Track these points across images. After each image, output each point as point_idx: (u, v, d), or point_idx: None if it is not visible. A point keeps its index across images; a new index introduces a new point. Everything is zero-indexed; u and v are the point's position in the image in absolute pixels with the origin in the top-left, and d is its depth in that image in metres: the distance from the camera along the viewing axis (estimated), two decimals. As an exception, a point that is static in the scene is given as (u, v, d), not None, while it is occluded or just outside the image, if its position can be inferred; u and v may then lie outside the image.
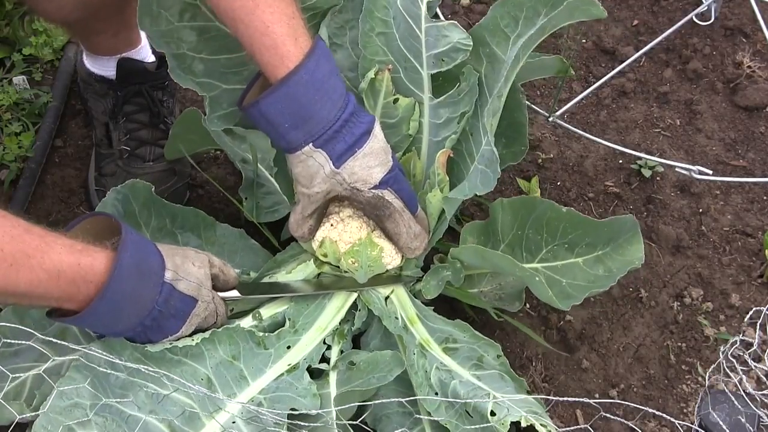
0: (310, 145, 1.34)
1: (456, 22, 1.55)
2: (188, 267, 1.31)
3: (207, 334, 1.33)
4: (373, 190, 1.39)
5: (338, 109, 1.34)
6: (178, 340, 1.32)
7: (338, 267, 1.50)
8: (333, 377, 1.40)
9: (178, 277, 1.28)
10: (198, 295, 1.31)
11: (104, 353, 1.19)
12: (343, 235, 1.47)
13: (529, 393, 1.37)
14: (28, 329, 1.16)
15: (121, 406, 1.20)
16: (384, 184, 1.40)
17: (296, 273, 1.51)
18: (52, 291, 1.15)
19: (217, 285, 1.39)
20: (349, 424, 1.28)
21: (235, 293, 1.41)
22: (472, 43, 1.51)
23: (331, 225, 1.48)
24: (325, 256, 1.48)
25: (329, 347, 1.45)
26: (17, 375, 1.29)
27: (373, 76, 1.53)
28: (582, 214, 1.41)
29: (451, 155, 1.52)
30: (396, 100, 1.54)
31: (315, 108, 1.32)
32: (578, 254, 1.42)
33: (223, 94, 1.53)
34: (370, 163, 1.38)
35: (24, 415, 1.27)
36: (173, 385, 1.19)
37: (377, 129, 1.40)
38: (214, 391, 1.30)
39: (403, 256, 1.51)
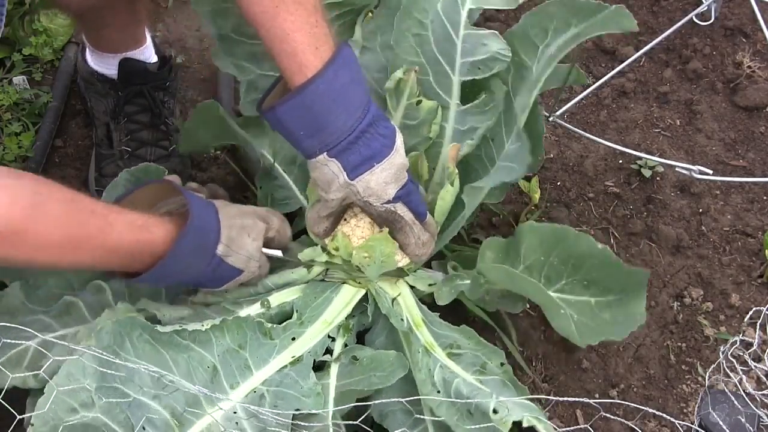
0: (324, 154, 1.34)
1: (497, 32, 1.55)
2: (242, 240, 1.36)
3: (217, 321, 1.34)
4: (386, 205, 1.39)
5: (355, 119, 1.32)
6: (185, 322, 1.35)
7: (349, 262, 1.50)
8: (334, 369, 1.40)
9: (230, 252, 1.34)
10: (245, 267, 1.37)
11: (104, 353, 1.19)
12: (356, 230, 1.46)
13: (530, 400, 1.37)
14: (26, 329, 1.17)
15: (126, 389, 1.21)
16: (397, 198, 1.39)
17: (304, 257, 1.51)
18: (111, 264, 1.26)
19: (271, 245, 1.44)
20: (352, 424, 1.29)
21: (279, 253, 1.46)
22: (510, 55, 1.51)
23: (344, 219, 1.48)
24: (337, 249, 1.46)
25: (333, 340, 1.45)
26: (20, 343, 1.32)
27: (401, 76, 1.52)
28: (614, 256, 1.38)
29: (460, 150, 1.52)
30: (419, 102, 1.53)
31: (330, 118, 1.31)
32: (593, 294, 1.40)
33: (258, 79, 1.56)
34: (387, 179, 1.37)
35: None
36: (171, 379, 1.20)
37: (399, 142, 1.39)
38: (219, 379, 1.31)
39: None
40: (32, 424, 1.15)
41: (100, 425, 1.18)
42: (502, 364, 1.41)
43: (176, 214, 1.33)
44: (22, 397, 1.30)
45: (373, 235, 1.46)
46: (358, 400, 1.37)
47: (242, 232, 1.36)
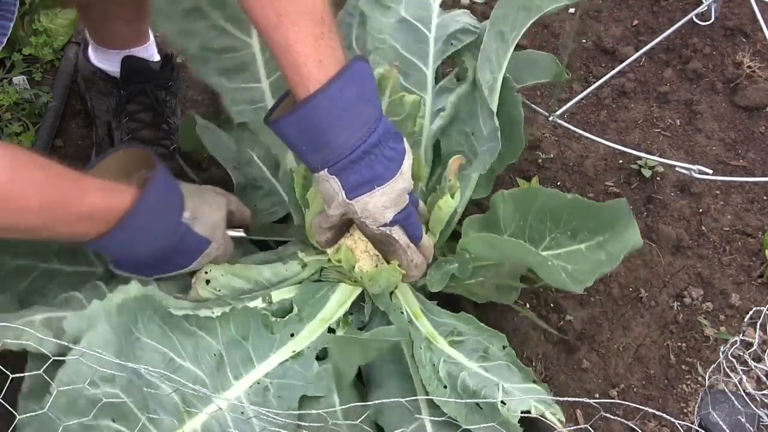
0: (325, 170, 1.31)
1: (468, 11, 1.64)
2: (205, 209, 1.37)
3: (227, 309, 1.34)
4: (381, 228, 1.36)
5: (358, 138, 1.28)
6: (196, 307, 1.35)
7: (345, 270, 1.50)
8: None
9: (196, 217, 1.35)
10: (212, 237, 1.38)
11: (108, 358, 1.19)
12: (359, 243, 1.45)
13: (535, 382, 1.37)
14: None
15: (141, 369, 1.21)
16: (394, 222, 1.37)
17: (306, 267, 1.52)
18: (84, 230, 1.25)
19: (232, 221, 1.45)
20: (350, 424, 1.29)
21: (241, 233, 1.48)
22: (479, 26, 1.59)
23: (348, 232, 1.46)
24: (339, 261, 1.46)
25: (334, 331, 1.45)
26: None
27: (382, 72, 1.53)
28: (585, 199, 1.42)
29: (463, 162, 1.52)
30: (402, 97, 1.54)
31: (331, 135, 1.28)
32: (581, 240, 1.43)
33: (231, 92, 1.56)
34: (386, 203, 1.34)
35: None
36: (183, 363, 1.19)
37: (406, 166, 1.35)
38: (224, 368, 1.31)
39: None
40: (50, 393, 1.13)
41: (118, 402, 1.18)
42: (504, 347, 1.42)
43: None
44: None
45: (372, 254, 1.46)
46: (359, 397, 1.37)
47: (204, 202, 1.37)
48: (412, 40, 1.63)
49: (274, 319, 1.39)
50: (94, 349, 1.17)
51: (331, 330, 1.44)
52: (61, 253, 1.49)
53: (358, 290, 1.49)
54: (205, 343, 1.31)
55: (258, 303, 1.43)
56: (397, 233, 1.39)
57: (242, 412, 1.24)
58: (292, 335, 1.40)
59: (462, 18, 1.65)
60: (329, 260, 1.49)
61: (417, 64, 1.61)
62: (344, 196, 1.32)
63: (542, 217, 1.43)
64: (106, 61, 1.85)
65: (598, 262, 1.41)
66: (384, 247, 1.41)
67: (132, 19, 1.79)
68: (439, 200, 1.50)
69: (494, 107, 1.52)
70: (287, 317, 1.41)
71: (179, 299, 1.43)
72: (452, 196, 1.49)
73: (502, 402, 1.24)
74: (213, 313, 1.33)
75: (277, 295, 1.46)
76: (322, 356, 1.41)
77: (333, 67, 1.26)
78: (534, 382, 1.35)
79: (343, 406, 1.25)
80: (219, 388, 1.27)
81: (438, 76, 1.65)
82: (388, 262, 1.45)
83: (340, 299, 1.47)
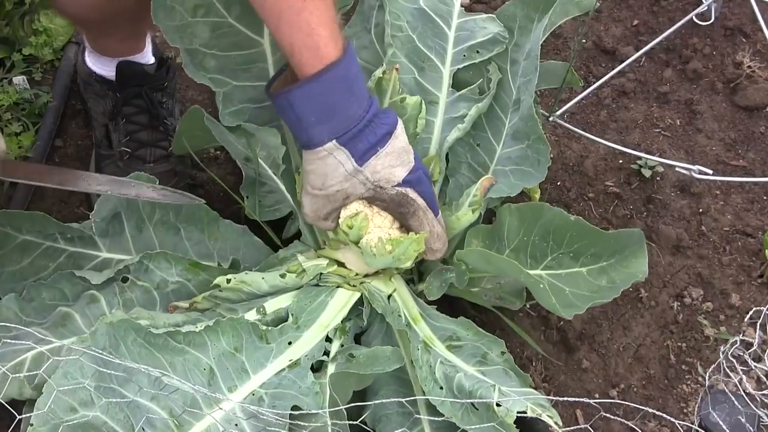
0: (334, 141, 1.35)
1: (494, 16, 1.61)
2: None
3: (211, 323, 1.33)
4: (397, 188, 1.40)
5: (363, 109, 1.37)
6: (180, 326, 1.32)
7: (343, 266, 1.49)
8: (331, 368, 1.40)
9: None
10: None
11: (102, 353, 1.19)
12: (376, 217, 1.43)
13: (533, 388, 1.36)
14: (27, 329, 1.17)
15: (124, 390, 1.21)
16: (407, 183, 1.40)
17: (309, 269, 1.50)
18: None
19: None
20: (349, 425, 1.28)
21: None
22: (509, 37, 1.57)
23: (368, 204, 1.43)
24: (350, 227, 1.41)
25: (330, 341, 1.45)
26: (17, 346, 1.31)
27: (380, 75, 1.54)
28: (589, 224, 1.41)
29: (494, 182, 1.52)
30: (403, 99, 1.55)
31: (343, 106, 1.35)
32: (583, 264, 1.41)
33: (234, 90, 1.55)
34: (392, 162, 1.38)
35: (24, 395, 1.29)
36: (170, 380, 1.20)
37: (399, 130, 1.41)
38: (216, 381, 1.31)
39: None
40: (32, 424, 1.14)
41: (99, 424, 1.18)
42: (502, 353, 1.42)
43: None
44: (18, 404, 1.30)
45: (392, 228, 1.44)
46: (355, 400, 1.37)
47: None
48: (429, 34, 1.63)
49: (266, 328, 1.38)
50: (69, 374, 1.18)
51: (328, 339, 1.44)
52: (65, 233, 1.51)
53: (357, 295, 1.49)
54: (194, 358, 1.31)
55: (252, 314, 1.43)
56: (413, 194, 1.41)
57: (236, 424, 1.23)
58: (290, 343, 1.39)
59: (489, 26, 1.61)
60: (328, 264, 1.48)
61: (433, 60, 1.61)
62: (354, 164, 1.36)
63: (545, 235, 1.43)
64: (101, 65, 1.85)
65: (598, 287, 1.40)
66: (403, 209, 1.42)
67: (129, 37, 1.80)
68: (458, 213, 1.50)
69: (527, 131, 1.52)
70: (282, 326, 1.41)
71: (177, 309, 1.43)
72: (473, 212, 1.49)
73: (497, 404, 1.24)
74: (197, 327, 1.32)
75: (273, 305, 1.45)
76: (317, 368, 1.41)
77: (342, 48, 1.35)
78: (532, 387, 1.35)
79: (337, 407, 1.24)
80: (212, 400, 1.26)
81: (458, 83, 1.63)
82: (408, 233, 1.44)
83: (338, 304, 1.47)
